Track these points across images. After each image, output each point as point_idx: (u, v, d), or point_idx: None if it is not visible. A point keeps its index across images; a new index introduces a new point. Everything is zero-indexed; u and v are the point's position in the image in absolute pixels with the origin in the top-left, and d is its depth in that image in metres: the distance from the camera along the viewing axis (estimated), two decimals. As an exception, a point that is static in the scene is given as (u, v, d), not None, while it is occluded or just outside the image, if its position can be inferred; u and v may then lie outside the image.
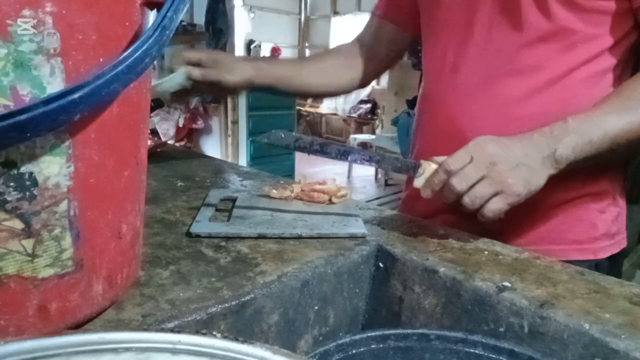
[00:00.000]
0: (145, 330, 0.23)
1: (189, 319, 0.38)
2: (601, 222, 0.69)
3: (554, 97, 0.64)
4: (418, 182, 0.57)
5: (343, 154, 0.59)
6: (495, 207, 0.54)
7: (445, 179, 0.55)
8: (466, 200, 0.54)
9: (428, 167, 0.57)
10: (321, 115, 7.05)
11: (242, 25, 5.11)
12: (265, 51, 5.03)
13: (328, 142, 0.60)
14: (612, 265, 0.69)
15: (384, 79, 5.99)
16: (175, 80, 0.76)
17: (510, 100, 0.66)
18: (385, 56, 0.94)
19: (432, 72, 0.76)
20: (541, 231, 0.68)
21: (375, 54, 0.93)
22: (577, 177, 0.59)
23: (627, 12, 0.62)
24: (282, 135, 0.59)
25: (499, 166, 0.54)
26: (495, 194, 0.54)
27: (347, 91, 0.97)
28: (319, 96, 1.15)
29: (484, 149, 0.55)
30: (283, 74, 0.87)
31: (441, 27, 0.74)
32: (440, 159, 0.56)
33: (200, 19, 4.21)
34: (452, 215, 0.68)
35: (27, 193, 0.29)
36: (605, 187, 0.69)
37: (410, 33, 0.88)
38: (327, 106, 6.89)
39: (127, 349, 0.21)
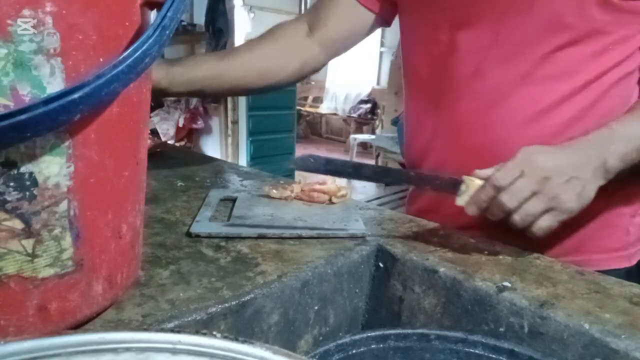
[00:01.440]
0: (145, 330, 0.23)
1: (189, 319, 0.38)
2: (633, 226, 0.67)
3: (586, 102, 0.62)
4: (461, 200, 0.54)
5: (379, 175, 0.56)
6: (546, 224, 0.52)
7: (493, 196, 0.51)
8: (516, 218, 0.51)
9: (471, 184, 0.53)
10: (321, 115, 7.05)
11: (242, 25, 5.11)
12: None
13: (362, 164, 0.57)
14: (638, 271, 0.67)
15: (384, 79, 5.99)
16: None
17: (542, 107, 0.62)
18: (340, 36, 0.80)
19: (449, 77, 0.68)
20: (577, 241, 0.64)
21: (328, 35, 0.80)
22: (610, 182, 0.56)
23: None
24: (312, 160, 0.55)
25: (552, 181, 0.51)
26: (547, 211, 0.51)
27: (291, 83, 0.84)
28: (258, 92, 0.95)
29: (535, 162, 0.51)
30: (208, 75, 0.75)
31: (459, 30, 0.66)
32: (483, 173, 0.53)
33: (200, 19, 4.21)
34: (475, 230, 0.64)
35: (27, 193, 0.29)
36: (636, 190, 0.67)
37: (379, 16, 0.78)
38: (327, 106, 6.89)
39: (127, 349, 0.21)
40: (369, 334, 0.39)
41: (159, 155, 0.98)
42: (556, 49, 0.61)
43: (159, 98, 0.74)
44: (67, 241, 0.32)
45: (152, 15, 0.36)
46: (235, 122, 4.36)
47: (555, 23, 0.60)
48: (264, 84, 0.80)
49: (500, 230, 0.55)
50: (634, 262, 0.67)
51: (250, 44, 0.82)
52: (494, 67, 0.64)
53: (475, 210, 0.53)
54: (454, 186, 0.54)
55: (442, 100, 0.70)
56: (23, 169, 0.29)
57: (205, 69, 0.75)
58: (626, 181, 0.62)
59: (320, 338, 0.50)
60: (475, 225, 0.63)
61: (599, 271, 0.51)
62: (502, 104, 0.64)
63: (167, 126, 4.43)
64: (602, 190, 0.56)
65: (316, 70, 0.85)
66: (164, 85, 0.71)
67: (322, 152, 6.24)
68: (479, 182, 0.53)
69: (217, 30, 4.09)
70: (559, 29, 0.60)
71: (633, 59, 0.62)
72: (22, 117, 0.26)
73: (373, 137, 4.70)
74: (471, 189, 0.53)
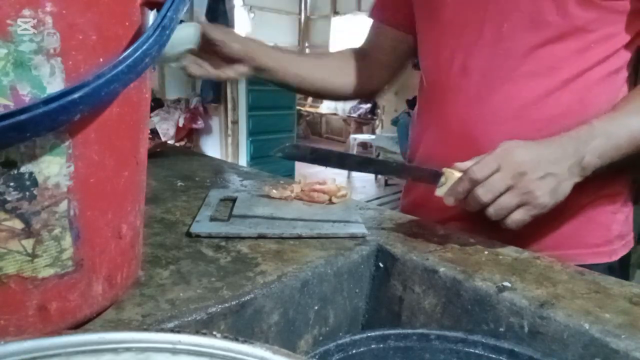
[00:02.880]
0: (145, 330, 0.23)
1: (189, 319, 0.38)
2: (615, 224, 0.68)
3: (570, 98, 0.63)
4: (440, 191, 0.56)
5: (362, 165, 0.57)
6: (519, 217, 0.53)
7: (470, 188, 0.53)
8: (490, 210, 0.53)
9: (451, 176, 0.55)
10: (321, 115, 7.05)
11: (242, 25, 5.11)
12: (265, 51, 5.01)
13: (346, 153, 0.59)
14: (622, 267, 0.68)
15: (384, 79, 5.98)
16: (189, 36, 0.65)
17: (526, 102, 0.64)
18: (388, 63, 0.88)
19: (438, 73, 0.72)
20: (558, 236, 0.66)
21: (378, 61, 0.87)
22: (595, 179, 0.58)
23: None
24: (298, 148, 0.56)
25: (527, 176, 0.52)
26: (520, 205, 0.53)
27: (347, 97, 0.90)
28: (314, 94, 0.95)
29: (512, 157, 0.53)
30: (280, 58, 0.79)
31: (447, 27, 0.70)
32: (463, 165, 0.54)
33: (200, 19, 4.21)
34: (463, 222, 0.67)
35: (27, 193, 0.29)
36: (620, 188, 0.68)
37: (413, 35, 0.82)
38: (327, 106, 6.89)
39: (127, 349, 0.21)
40: (369, 334, 0.39)
41: (159, 155, 0.98)
42: (539, 46, 0.62)
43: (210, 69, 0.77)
44: (67, 241, 0.32)
45: (152, 15, 0.36)
46: (235, 122, 4.36)
47: (537, 21, 0.61)
48: (318, 87, 0.86)
49: (483, 224, 0.57)
50: (614, 258, 0.67)
51: (317, 54, 0.96)
52: (480, 63, 0.66)
53: (453, 201, 0.55)
54: (434, 178, 0.57)
55: (434, 96, 0.73)
56: (23, 169, 0.29)
57: (280, 54, 0.80)
58: (609, 179, 0.64)
59: (320, 338, 0.50)
60: (460, 218, 0.66)
61: (579, 266, 0.52)
62: (487, 99, 0.66)
63: (167, 126, 4.42)
64: (585, 188, 0.57)
65: (373, 95, 0.96)
66: (255, 48, 0.75)
67: (322, 152, 6.23)
68: (457, 175, 0.54)
69: (217, 30, 4.08)
70: (541, 26, 0.61)
71: (618, 56, 0.63)
72: (22, 117, 0.26)
73: (373, 137, 4.71)
74: (450, 181, 0.55)
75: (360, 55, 0.88)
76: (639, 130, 0.56)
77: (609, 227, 0.67)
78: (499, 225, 0.55)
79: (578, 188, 0.57)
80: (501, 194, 0.53)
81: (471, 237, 0.59)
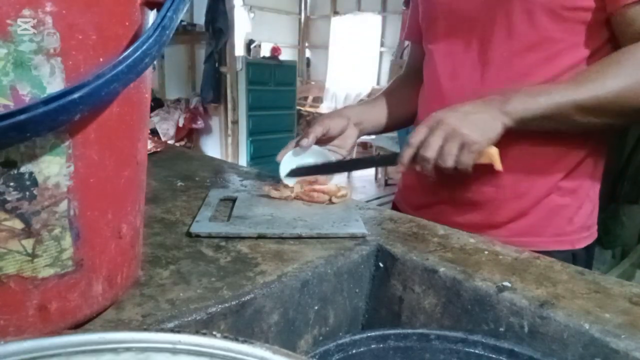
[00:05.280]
0: (145, 330, 0.23)
1: (189, 319, 0.38)
2: (577, 217, 0.75)
3: None
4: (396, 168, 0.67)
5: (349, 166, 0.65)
6: (464, 159, 0.62)
7: (412, 152, 0.64)
8: (440, 162, 0.63)
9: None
10: (321, 115, 7.03)
11: (242, 25, 5.12)
12: (265, 51, 5.03)
13: (336, 162, 0.71)
14: (588, 255, 0.76)
15: (384, 79, 5.99)
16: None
17: None
18: None
19: (433, 78, 0.80)
20: (526, 225, 0.74)
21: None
22: (554, 173, 0.68)
23: (604, 23, 0.67)
24: (300, 169, 0.71)
25: (453, 125, 0.62)
26: (461, 148, 0.62)
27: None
28: (399, 127, 1.05)
29: (439, 118, 0.63)
30: (366, 113, 0.91)
31: (441, 38, 0.79)
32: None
33: (200, 19, 4.21)
34: (444, 205, 0.78)
35: (27, 193, 0.29)
36: (581, 182, 0.74)
37: None
38: (327, 106, 6.89)
39: (127, 349, 0.21)
40: (369, 334, 0.39)
41: (159, 155, 0.98)
42: (514, 55, 0.70)
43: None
44: (67, 241, 0.32)
45: (152, 15, 0.36)
46: (235, 122, 4.36)
47: (512, 32, 0.69)
48: (405, 121, 0.97)
49: (462, 207, 0.72)
50: (577, 246, 0.75)
51: (385, 94, 0.97)
52: (466, 70, 0.75)
53: (402, 167, 0.66)
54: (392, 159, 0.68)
55: (429, 99, 0.82)
56: (23, 169, 0.29)
57: (366, 113, 0.92)
58: (566, 172, 0.73)
59: (320, 338, 0.50)
60: (443, 202, 0.78)
61: (543, 252, 0.55)
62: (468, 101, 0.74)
63: (167, 126, 4.43)
64: (550, 184, 0.70)
65: None
66: (360, 129, 0.88)
67: (322, 152, 6.22)
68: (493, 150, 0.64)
69: (217, 30, 4.09)
70: (515, 37, 0.69)
71: (585, 64, 0.68)
72: (22, 117, 0.26)
73: (373, 137, 4.70)
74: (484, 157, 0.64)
75: (411, 77, 0.93)
76: (558, 95, 0.63)
77: (570, 220, 0.75)
78: (475, 208, 0.71)
79: (540, 178, 0.69)
80: (441, 147, 0.62)
81: (471, 237, 0.59)
